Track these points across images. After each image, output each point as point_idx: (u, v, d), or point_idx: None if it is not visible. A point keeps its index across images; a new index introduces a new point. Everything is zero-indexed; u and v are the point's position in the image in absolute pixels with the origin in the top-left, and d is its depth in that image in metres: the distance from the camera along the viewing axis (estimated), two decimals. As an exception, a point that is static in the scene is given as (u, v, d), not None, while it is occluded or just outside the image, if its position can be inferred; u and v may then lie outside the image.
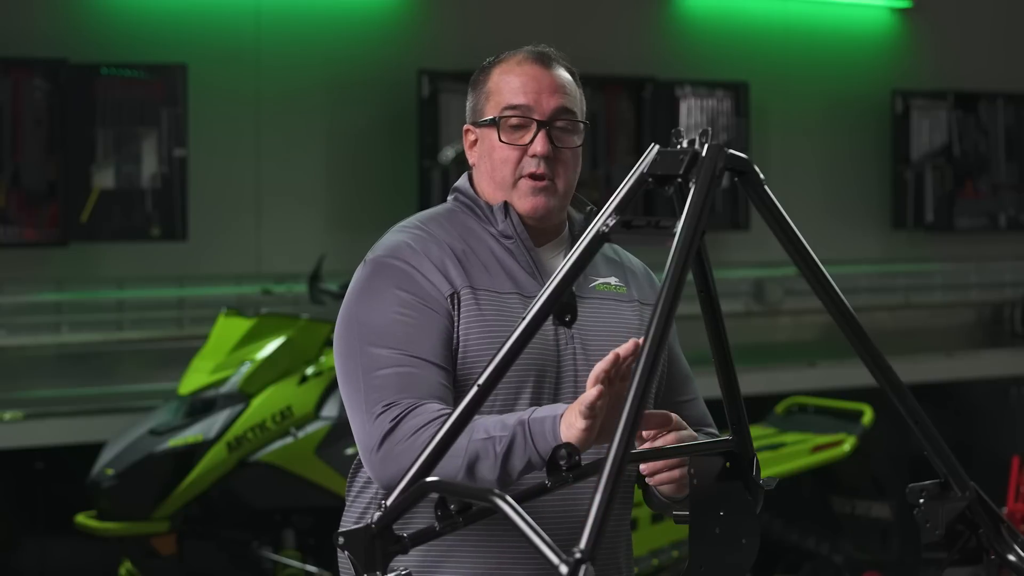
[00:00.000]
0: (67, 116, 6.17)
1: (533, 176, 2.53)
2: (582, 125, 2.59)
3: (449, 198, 2.66)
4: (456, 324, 2.46)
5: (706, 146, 1.85)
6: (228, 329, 5.38)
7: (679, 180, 1.87)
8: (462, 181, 2.65)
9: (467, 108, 2.65)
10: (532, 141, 2.53)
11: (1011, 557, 1.97)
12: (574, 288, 2.47)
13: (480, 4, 7.15)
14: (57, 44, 6.23)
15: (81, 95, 6.20)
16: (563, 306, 1.94)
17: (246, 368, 5.17)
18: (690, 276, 1.85)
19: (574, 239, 2.58)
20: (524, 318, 1.97)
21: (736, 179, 1.91)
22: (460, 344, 2.46)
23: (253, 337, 5.31)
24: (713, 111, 7.63)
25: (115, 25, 6.39)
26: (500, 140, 2.54)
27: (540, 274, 2.54)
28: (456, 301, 2.47)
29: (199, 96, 6.41)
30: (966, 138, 8.32)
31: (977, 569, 2.00)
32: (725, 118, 7.65)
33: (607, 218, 1.92)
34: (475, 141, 2.61)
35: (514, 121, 2.54)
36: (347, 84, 6.84)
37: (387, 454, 2.37)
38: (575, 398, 2.48)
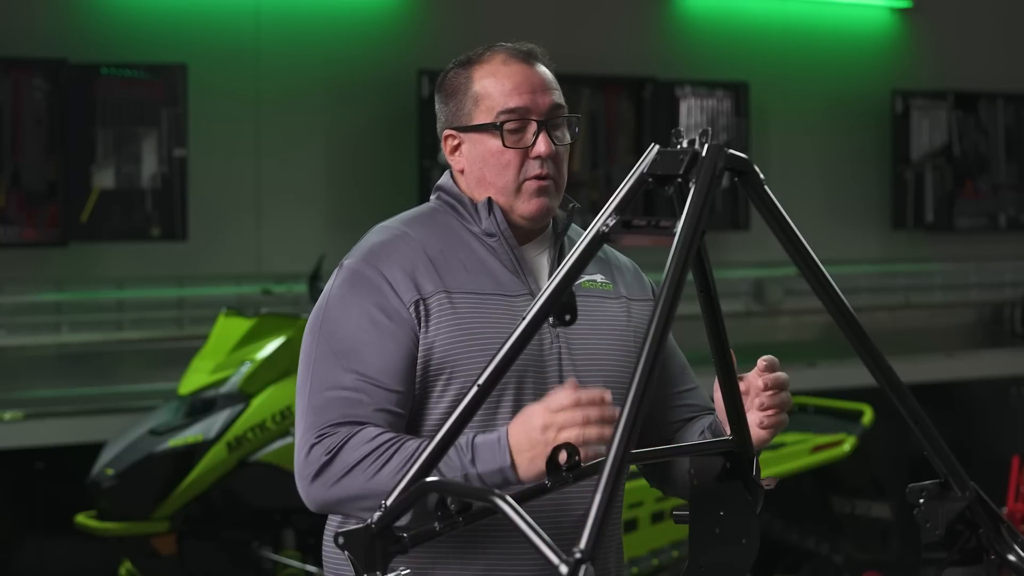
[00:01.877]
0: (67, 116, 6.17)
1: (538, 177, 2.49)
2: (574, 119, 2.55)
3: (432, 196, 2.62)
4: (423, 332, 2.42)
5: (706, 146, 1.85)
6: (228, 329, 5.38)
7: (679, 180, 1.87)
8: (445, 179, 2.62)
9: (444, 112, 2.59)
10: (534, 143, 2.49)
11: (1011, 557, 1.97)
12: None
13: (480, 4, 7.15)
14: (57, 44, 6.23)
15: (81, 95, 6.19)
16: (563, 306, 1.94)
17: (246, 368, 5.17)
18: (690, 276, 1.85)
19: (557, 236, 2.56)
20: (524, 318, 1.96)
21: (736, 179, 1.90)
22: (427, 349, 2.42)
23: (253, 337, 5.31)
24: (713, 111, 7.63)
25: (115, 25, 6.39)
26: (504, 146, 2.49)
27: (523, 272, 2.51)
28: (423, 309, 2.43)
29: (199, 96, 6.41)
30: (966, 138, 8.32)
31: (977, 569, 2.00)
32: (725, 118, 7.65)
33: (607, 218, 1.91)
34: (458, 145, 2.57)
35: (512, 125, 2.49)
36: (347, 84, 6.84)
37: (324, 486, 2.37)
38: None
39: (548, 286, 1.96)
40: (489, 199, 2.52)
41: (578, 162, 7.21)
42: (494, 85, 2.52)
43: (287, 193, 6.75)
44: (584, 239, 1.93)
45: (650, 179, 1.91)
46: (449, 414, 2.41)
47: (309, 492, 2.40)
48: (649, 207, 6.85)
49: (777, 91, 7.90)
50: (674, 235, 1.79)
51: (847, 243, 8.04)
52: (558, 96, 2.53)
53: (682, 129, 1.94)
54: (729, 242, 7.66)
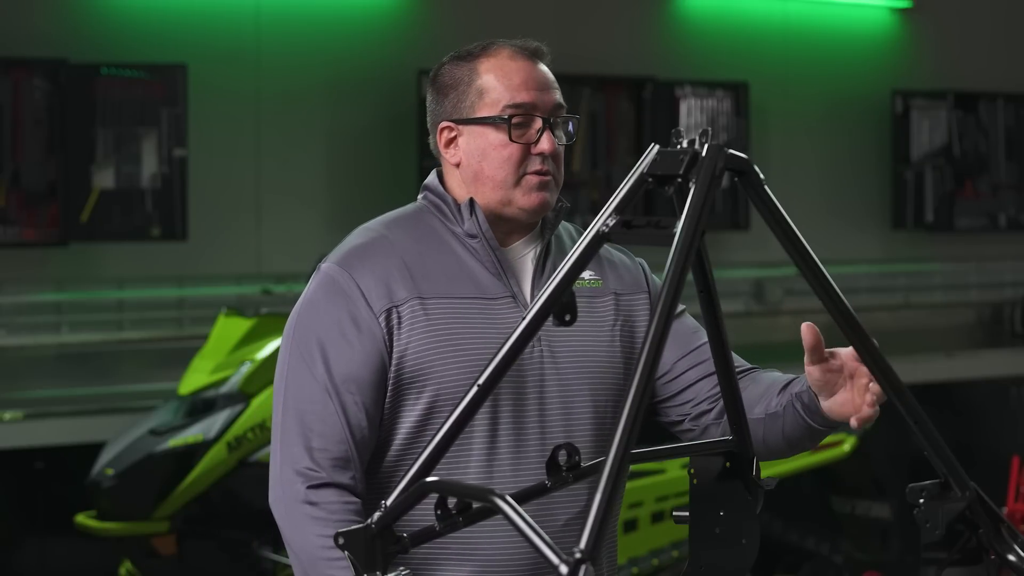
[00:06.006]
0: (67, 116, 6.17)
1: (538, 172, 2.50)
2: (574, 121, 2.56)
3: (419, 196, 2.62)
4: (396, 339, 2.44)
5: (706, 146, 1.85)
6: (228, 329, 5.39)
7: (679, 180, 1.87)
8: (431, 179, 2.61)
9: (441, 104, 2.56)
10: (538, 139, 2.50)
11: (1011, 557, 1.97)
12: (531, 289, 2.49)
13: (480, 4, 7.16)
14: (57, 44, 6.23)
15: (81, 95, 6.20)
16: (563, 306, 1.93)
17: (246, 368, 5.17)
18: (690, 276, 1.85)
19: (544, 236, 2.55)
20: (524, 318, 1.96)
21: (736, 179, 1.90)
22: (399, 356, 2.44)
23: (253, 337, 5.31)
24: (713, 111, 7.63)
25: (115, 25, 6.39)
26: (511, 139, 2.49)
27: (505, 274, 2.51)
28: (395, 316, 2.45)
29: (199, 96, 6.41)
30: (966, 138, 8.32)
31: (977, 569, 2.00)
32: (725, 118, 7.65)
33: (607, 218, 1.91)
34: (454, 138, 2.56)
35: (518, 120, 2.50)
36: (347, 84, 6.84)
37: (300, 516, 2.41)
38: (539, 403, 2.48)
39: (548, 286, 1.96)
40: (471, 200, 2.52)
41: (578, 162, 7.21)
42: (500, 79, 2.52)
43: (287, 193, 6.75)
44: (584, 239, 1.93)
45: (650, 179, 1.91)
46: (424, 420, 2.45)
47: (285, 504, 2.44)
48: (649, 207, 6.85)
49: (777, 91, 7.90)
50: (674, 235, 1.79)
51: (847, 243, 8.04)
52: (560, 96, 2.55)
53: (682, 129, 1.93)
54: (729, 242, 7.66)
